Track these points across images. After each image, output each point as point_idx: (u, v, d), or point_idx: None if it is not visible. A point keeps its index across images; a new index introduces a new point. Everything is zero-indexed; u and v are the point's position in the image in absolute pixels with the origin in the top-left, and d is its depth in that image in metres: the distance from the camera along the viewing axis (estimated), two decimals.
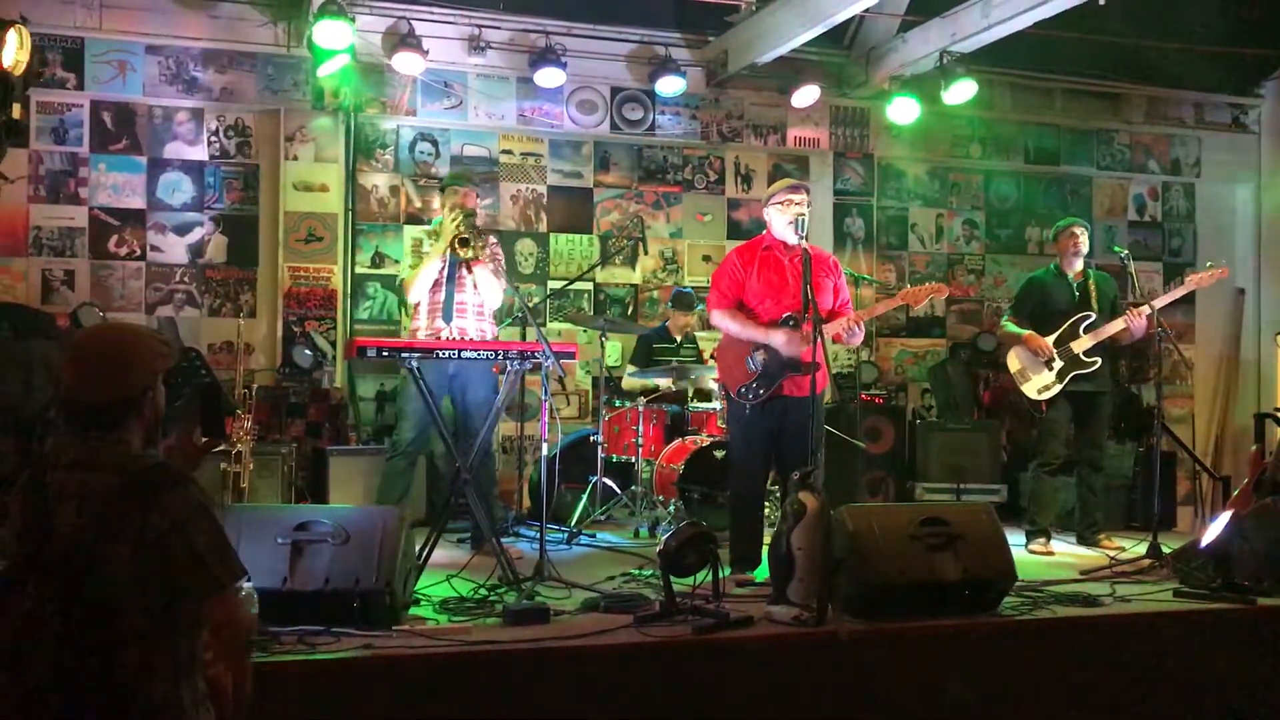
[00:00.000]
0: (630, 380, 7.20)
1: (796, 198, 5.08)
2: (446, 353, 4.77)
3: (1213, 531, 4.80)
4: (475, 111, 7.80)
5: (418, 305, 5.67)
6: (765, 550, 5.36)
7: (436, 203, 5.88)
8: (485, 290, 5.70)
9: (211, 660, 2.20)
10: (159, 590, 2.11)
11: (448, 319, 5.60)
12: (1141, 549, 5.61)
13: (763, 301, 5.06)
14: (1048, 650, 4.10)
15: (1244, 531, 4.77)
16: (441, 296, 5.62)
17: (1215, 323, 9.48)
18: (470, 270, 5.64)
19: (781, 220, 5.07)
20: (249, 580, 3.47)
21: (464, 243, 5.53)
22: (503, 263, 5.83)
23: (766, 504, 6.30)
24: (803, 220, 4.95)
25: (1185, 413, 9.36)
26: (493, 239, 6.06)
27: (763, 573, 5.28)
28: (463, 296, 5.65)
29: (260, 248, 7.54)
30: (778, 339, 4.95)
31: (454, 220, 5.54)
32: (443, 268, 5.62)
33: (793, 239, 5.01)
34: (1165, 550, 5.35)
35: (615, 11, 7.96)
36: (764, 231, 5.24)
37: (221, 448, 5.62)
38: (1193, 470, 8.52)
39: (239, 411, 5.90)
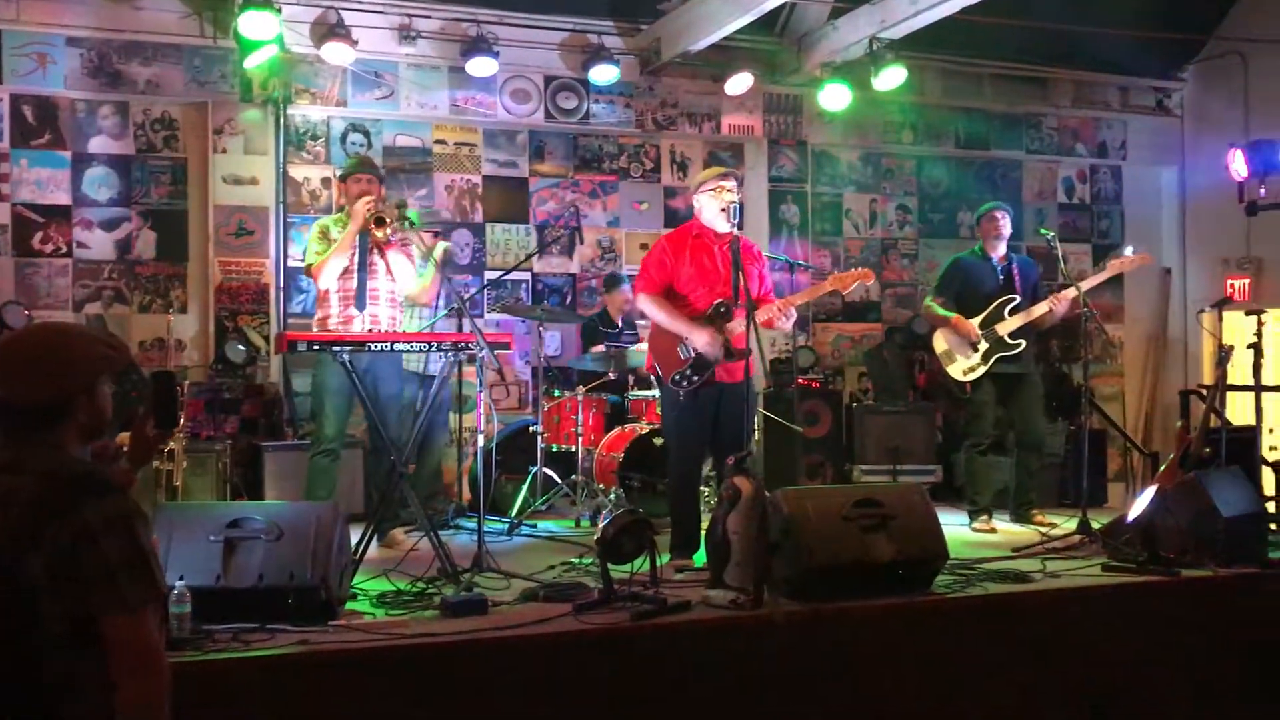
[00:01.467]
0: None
1: (728, 185, 5.08)
2: (380, 346, 4.72)
3: (1139, 506, 4.91)
4: (407, 101, 7.74)
5: (326, 292, 5.49)
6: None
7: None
8: (399, 276, 5.61)
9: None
10: (74, 602, 2.04)
11: (360, 306, 5.46)
12: (1073, 525, 5.73)
13: (695, 289, 5.07)
14: (980, 627, 4.18)
15: (1168, 506, 4.89)
16: (353, 283, 5.47)
17: (1143, 302, 9.70)
18: (383, 255, 5.55)
19: (714, 207, 5.07)
20: (181, 580, 3.45)
21: (379, 222, 5.39)
22: (413, 251, 5.69)
23: (705, 489, 6.38)
24: (735, 208, 4.97)
25: (1115, 391, 9.58)
26: (445, 245, 6.06)
27: (702, 558, 5.35)
28: (375, 283, 5.52)
29: (190, 243, 7.44)
30: (700, 339, 4.95)
31: (367, 202, 5.40)
32: (353, 253, 5.48)
33: (724, 226, 5.02)
34: (1095, 526, 5.47)
35: (547, 0, 7.94)
36: (693, 219, 5.24)
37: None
38: (1123, 447, 8.73)
39: None
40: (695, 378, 5.00)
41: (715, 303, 5.03)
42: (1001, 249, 6.41)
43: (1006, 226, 6.41)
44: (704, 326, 4.99)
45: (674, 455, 5.19)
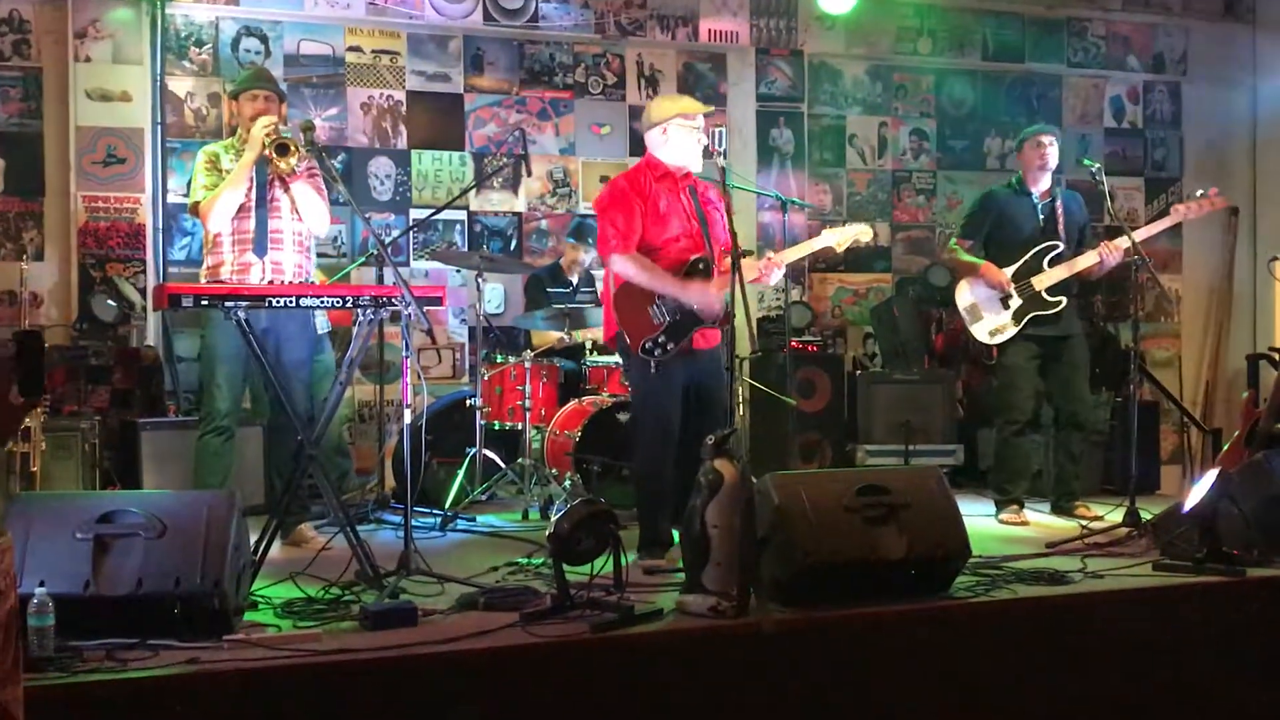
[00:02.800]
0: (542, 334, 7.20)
1: (698, 124, 5.22)
2: (284, 300, 4.70)
3: (1197, 494, 4.99)
4: None
5: (218, 236, 5.45)
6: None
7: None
8: (308, 214, 5.57)
9: None
10: None
11: (260, 252, 5.42)
12: (1119, 516, 5.82)
13: (675, 241, 5.16)
14: (1007, 636, 4.24)
15: (1232, 493, 4.97)
16: (251, 224, 5.43)
17: (1205, 249, 9.77)
18: (286, 189, 5.52)
19: (688, 141, 5.18)
20: (41, 586, 3.44)
21: (282, 150, 5.33)
22: (322, 183, 5.66)
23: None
24: (707, 147, 5.12)
25: (1171, 355, 9.69)
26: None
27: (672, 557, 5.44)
28: (278, 223, 5.50)
29: (47, 173, 7.37)
30: (697, 297, 5.04)
31: (266, 125, 5.35)
32: (250, 187, 5.44)
33: (697, 166, 5.16)
34: (1145, 517, 5.56)
35: None
36: (645, 156, 5.35)
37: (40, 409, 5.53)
38: (1180, 422, 8.84)
39: None
40: (671, 345, 5.06)
41: (693, 259, 5.12)
42: (1045, 182, 6.45)
43: (1054, 155, 6.43)
44: (695, 281, 5.07)
45: (644, 436, 5.23)
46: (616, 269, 5.19)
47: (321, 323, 5.95)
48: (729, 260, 4.76)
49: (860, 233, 5.47)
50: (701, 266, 5.11)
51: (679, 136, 5.17)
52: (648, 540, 5.08)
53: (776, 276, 5.33)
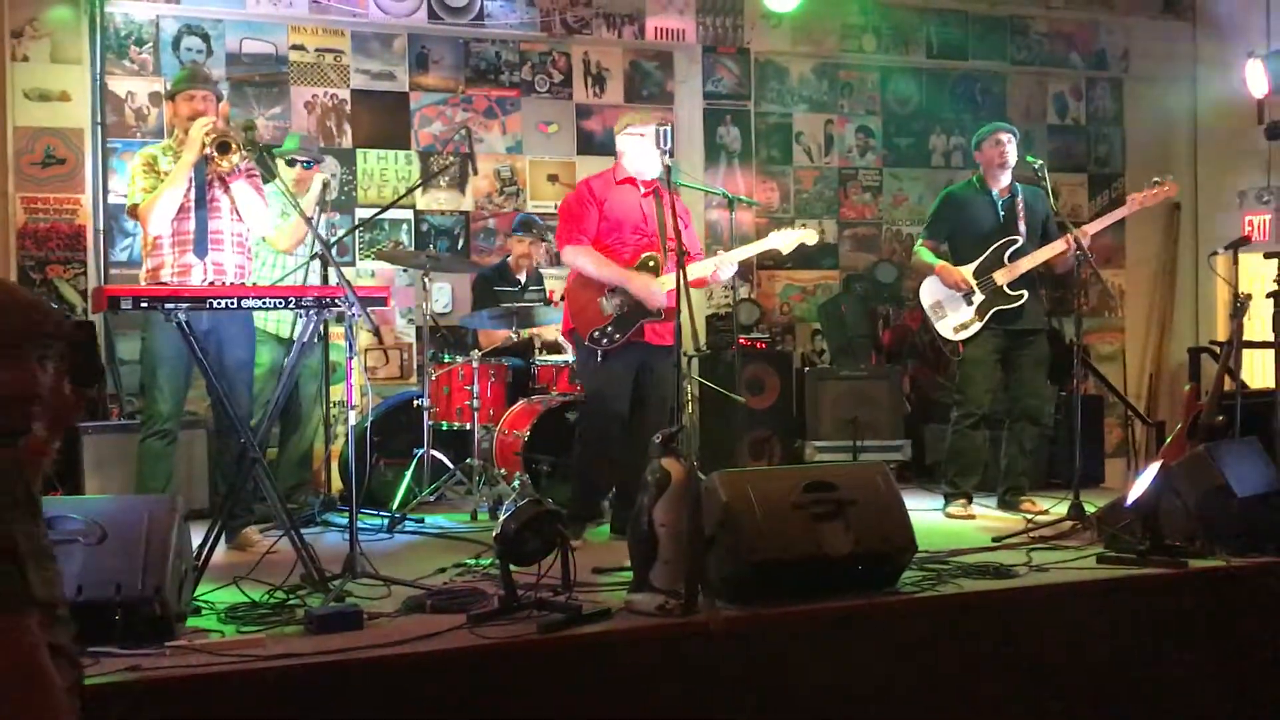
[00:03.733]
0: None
1: (646, 130, 5.44)
2: (225, 302, 4.65)
3: (1140, 486, 5.04)
4: None
5: (158, 238, 5.41)
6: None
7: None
8: (248, 214, 5.54)
9: None
10: None
11: (201, 253, 5.39)
12: (1063, 509, 5.89)
13: (626, 240, 5.47)
14: (954, 630, 4.28)
15: (1174, 484, 5.03)
16: (191, 225, 5.40)
17: (1147, 243, 9.89)
18: (226, 190, 5.48)
19: (637, 149, 5.48)
20: None
21: (224, 148, 5.28)
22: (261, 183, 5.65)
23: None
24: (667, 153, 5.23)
25: (1115, 349, 9.80)
26: (324, 178, 6.00)
27: (603, 532, 5.71)
28: (218, 223, 5.46)
29: None
30: (639, 287, 5.35)
31: (205, 125, 5.30)
32: (189, 189, 5.39)
33: (651, 171, 5.45)
34: (1089, 510, 5.62)
35: None
36: (615, 163, 5.61)
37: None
38: (1124, 416, 8.96)
39: None
40: (618, 335, 5.34)
41: (643, 256, 5.41)
42: (1005, 180, 6.50)
43: (1013, 152, 6.48)
44: (639, 274, 5.36)
45: (587, 418, 5.60)
46: (567, 259, 5.58)
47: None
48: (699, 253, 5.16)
49: (805, 236, 5.68)
50: (651, 264, 5.39)
51: (628, 146, 5.51)
52: (576, 514, 5.39)
53: (727, 275, 5.62)
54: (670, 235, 5.14)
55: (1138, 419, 8.89)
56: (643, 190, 5.55)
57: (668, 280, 5.32)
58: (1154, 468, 5.03)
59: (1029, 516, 6.07)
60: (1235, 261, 6.62)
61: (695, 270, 5.39)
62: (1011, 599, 4.43)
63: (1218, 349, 7.09)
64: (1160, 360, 9.86)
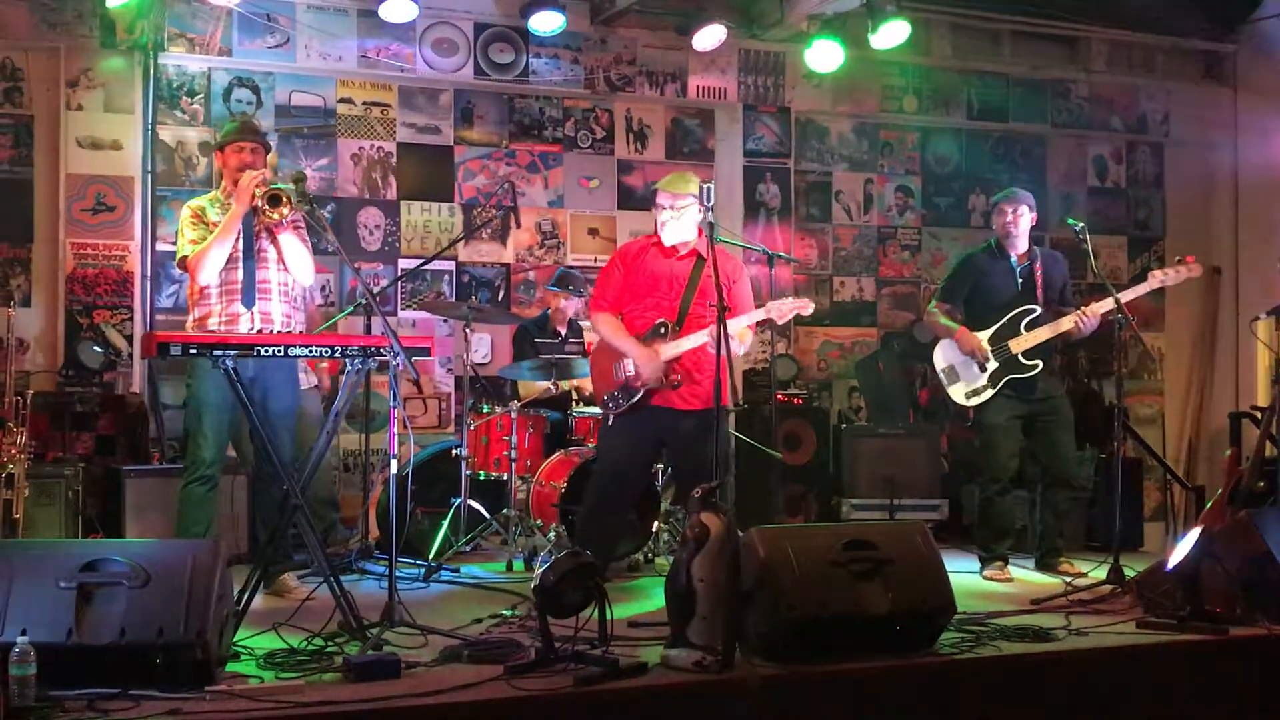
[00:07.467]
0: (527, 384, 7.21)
1: (669, 201, 5.53)
2: (270, 349, 4.69)
3: (1180, 551, 4.99)
4: (306, 51, 7.72)
5: (205, 288, 5.44)
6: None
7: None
8: (294, 264, 5.57)
9: None
10: None
11: (249, 303, 5.42)
12: (1102, 573, 5.82)
13: (639, 307, 5.58)
14: (992, 693, 4.23)
15: (1214, 550, 4.97)
16: (239, 274, 5.43)
17: (1188, 307, 9.84)
18: (273, 240, 5.52)
19: (663, 219, 5.54)
20: (23, 635, 3.42)
21: (274, 200, 5.32)
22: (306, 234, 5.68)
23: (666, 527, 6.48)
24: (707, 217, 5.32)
25: (1154, 412, 9.74)
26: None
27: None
28: (265, 274, 5.50)
29: (36, 220, 7.37)
30: (638, 359, 5.46)
31: (255, 176, 5.34)
32: (237, 239, 5.43)
33: (679, 238, 5.53)
34: (1129, 574, 5.56)
35: None
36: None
37: None
38: (1163, 480, 8.87)
39: (9, 424, 5.76)
40: (623, 400, 5.51)
41: (656, 323, 5.52)
42: (1022, 245, 6.45)
43: (1020, 222, 6.39)
44: (646, 346, 5.48)
45: (596, 480, 5.74)
46: (592, 324, 5.80)
47: (305, 379, 5.97)
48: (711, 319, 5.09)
49: (800, 306, 5.62)
50: (663, 331, 5.51)
51: (662, 217, 5.56)
52: None
53: (744, 346, 5.79)
54: (711, 294, 5.12)
55: (1177, 483, 8.81)
56: (681, 253, 5.57)
57: (668, 349, 5.42)
58: (1195, 533, 4.98)
59: (1068, 580, 6.01)
60: (1277, 327, 6.59)
61: (690, 341, 5.43)
62: (1050, 662, 4.39)
63: (1259, 414, 7.02)
64: (1199, 424, 9.79)
